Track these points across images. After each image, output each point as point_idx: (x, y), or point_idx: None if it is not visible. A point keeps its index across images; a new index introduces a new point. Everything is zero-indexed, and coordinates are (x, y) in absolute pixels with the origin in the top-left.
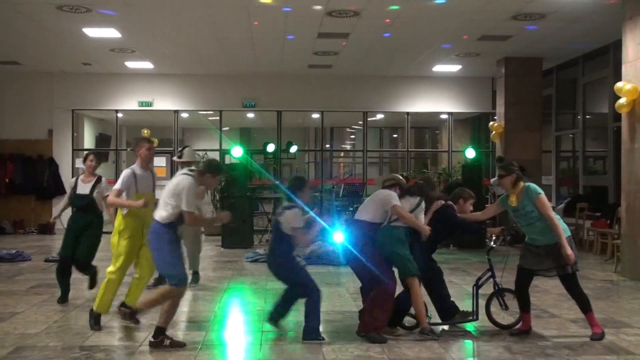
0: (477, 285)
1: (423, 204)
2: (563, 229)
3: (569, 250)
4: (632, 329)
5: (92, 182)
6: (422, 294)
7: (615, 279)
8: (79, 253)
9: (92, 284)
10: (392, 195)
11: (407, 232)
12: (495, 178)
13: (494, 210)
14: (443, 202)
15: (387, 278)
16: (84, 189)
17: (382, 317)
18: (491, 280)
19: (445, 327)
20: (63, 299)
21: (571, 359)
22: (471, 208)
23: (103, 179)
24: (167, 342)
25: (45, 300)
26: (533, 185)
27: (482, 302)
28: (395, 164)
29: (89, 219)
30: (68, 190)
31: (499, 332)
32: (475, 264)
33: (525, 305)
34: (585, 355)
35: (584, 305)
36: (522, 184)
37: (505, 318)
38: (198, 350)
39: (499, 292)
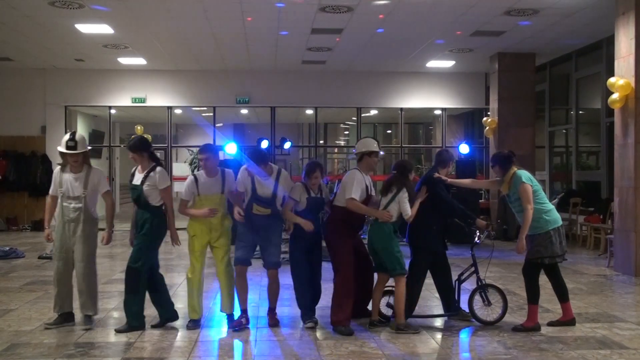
0: (460, 281)
1: (404, 193)
2: (554, 219)
3: (521, 244)
4: (626, 324)
5: None
6: (404, 293)
7: (609, 273)
8: None
9: None
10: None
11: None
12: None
13: (488, 185)
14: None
15: (345, 267)
16: None
17: (342, 308)
18: (474, 275)
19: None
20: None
21: (565, 353)
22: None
23: None
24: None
25: (39, 297)
26: (520, 173)
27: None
28: (389, 160)
29: None
30: None
31: (494, 326)
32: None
33: (532, 298)
34: (579, 350)
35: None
36: (513, 170)
37: (488, 314)
38: (193, 347)
39: (481, 288)
